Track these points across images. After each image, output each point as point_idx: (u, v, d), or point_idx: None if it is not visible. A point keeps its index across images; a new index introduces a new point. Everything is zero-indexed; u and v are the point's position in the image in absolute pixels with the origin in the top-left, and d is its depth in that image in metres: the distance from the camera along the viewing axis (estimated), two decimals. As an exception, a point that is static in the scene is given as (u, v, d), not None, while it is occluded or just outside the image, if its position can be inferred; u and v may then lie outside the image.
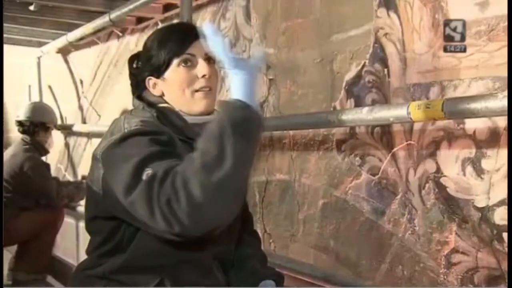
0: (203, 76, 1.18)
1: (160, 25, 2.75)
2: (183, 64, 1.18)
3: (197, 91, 1.18)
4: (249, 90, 1.01)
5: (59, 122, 3.86)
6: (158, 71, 1.20)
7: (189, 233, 0.96)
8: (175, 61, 1.18)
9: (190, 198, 0.92)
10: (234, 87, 1.01)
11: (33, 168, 3.15)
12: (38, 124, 3.32)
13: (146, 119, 1.16)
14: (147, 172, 0.98)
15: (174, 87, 1.19)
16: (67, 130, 3.86)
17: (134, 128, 1.09)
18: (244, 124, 0.97)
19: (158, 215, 0.94)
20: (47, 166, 3.33)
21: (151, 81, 1.22)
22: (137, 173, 0.99)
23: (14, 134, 3.43)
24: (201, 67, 1.18)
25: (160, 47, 1.19)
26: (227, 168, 0.93)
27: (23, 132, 3.31)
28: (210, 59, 1.18)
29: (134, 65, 1.28)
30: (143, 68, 1.23)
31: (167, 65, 1.19)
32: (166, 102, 1.22)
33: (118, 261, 1.14)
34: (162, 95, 1.22)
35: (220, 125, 0.97)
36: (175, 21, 2.47)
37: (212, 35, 1.02)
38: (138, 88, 1.26)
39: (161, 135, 1.09)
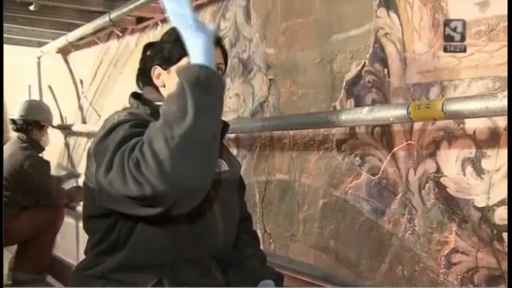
0: None
1: (160, 25, 2.76)
2: None
3: None
4: (206, 52, 1.02)
5: (59, 122, 3.86)
6: (167, 63, 1.21)
7: (161, 193, 0.93)
8: (186, 59, 1.18)
9: (155, 156, 0.93)
10: (192, 50, 1.03)
11: (34, 166, 3.15)
12: (31, 123, 3.31)
13: (137, 112, 1.17)
14: (123, 148, 1.00)
15: (176, 82, 1.20)
16: (67, 130, 3.86)
17: (123, 118, 1.11)
18: (201, 80, 0.98)
19: (130, 180, 0.94)
20: (47, 163, 3.32)
21: (156, 70, 1.23)
22: (115, 152, 1.00)
23: (13, 134, 3.42)
24: None
25: (176, 42, 1.18)
26: (189, 120, 0.94)
27: (16, 130, 3.31)
28: (220, 70, 1.20)
29: (148, 53, 1.29)
30: (153, 56, 1.25)
31: (177, 59, 1.19)
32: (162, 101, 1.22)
33: (115, 259, 1.14)
34: (163, 86, 1.23)
35: (179, 86, 0.99)
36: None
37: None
38: (142, 76, 1.28)
39: (146, 121, 1.09)
